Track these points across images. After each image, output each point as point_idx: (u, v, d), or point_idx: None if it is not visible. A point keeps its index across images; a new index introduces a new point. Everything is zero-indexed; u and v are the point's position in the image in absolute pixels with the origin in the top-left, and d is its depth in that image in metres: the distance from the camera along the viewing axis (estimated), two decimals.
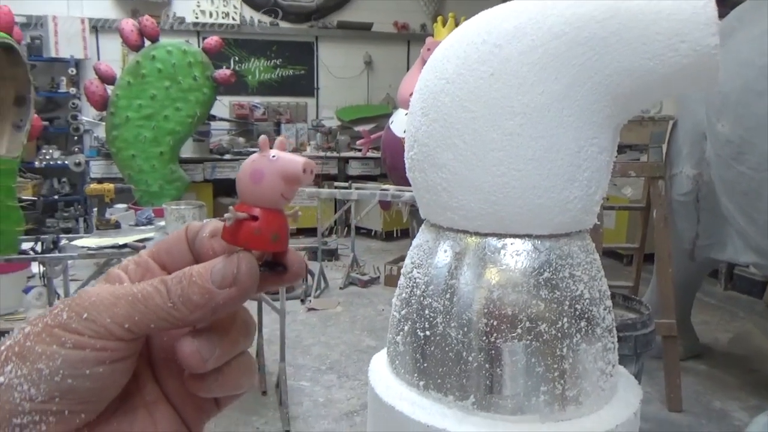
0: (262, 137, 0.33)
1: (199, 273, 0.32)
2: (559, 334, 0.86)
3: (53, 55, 6.61)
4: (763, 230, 2.80)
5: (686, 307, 3.60)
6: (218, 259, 0.32)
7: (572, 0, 0.84)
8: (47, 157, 6.63)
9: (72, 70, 6.73)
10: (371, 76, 8.17)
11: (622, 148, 5.67)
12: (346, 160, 7.30)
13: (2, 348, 0.30)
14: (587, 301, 0.89)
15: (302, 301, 4.72)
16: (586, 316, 0.89)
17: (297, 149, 7.47)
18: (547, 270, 0.87)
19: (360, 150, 7.06)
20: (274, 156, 0.32)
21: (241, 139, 7.44)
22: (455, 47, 0.91)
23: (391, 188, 4.63)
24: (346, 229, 6.30)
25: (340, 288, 5.12)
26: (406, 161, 1.01)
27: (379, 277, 5.29)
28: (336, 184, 5.68)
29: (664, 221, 2.98)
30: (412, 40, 8.14)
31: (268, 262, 0.33)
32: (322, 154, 7.31)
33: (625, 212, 4.98)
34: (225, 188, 7.17)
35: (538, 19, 0.84)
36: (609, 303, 0.95)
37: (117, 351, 0.30)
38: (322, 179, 7.14)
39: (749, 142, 2.71)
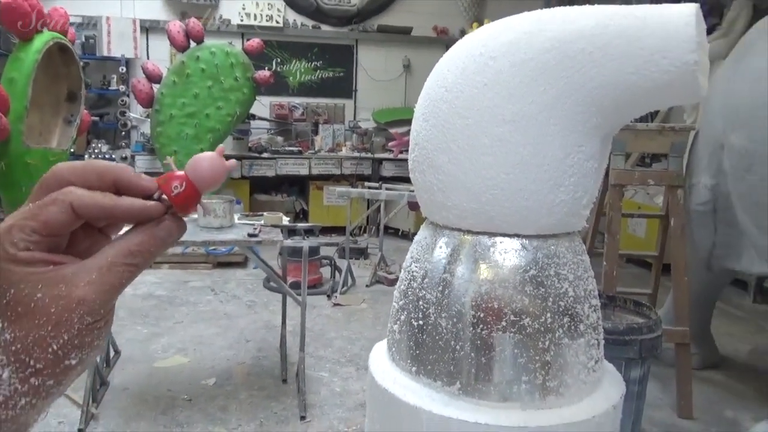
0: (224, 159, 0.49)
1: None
2: (542, 328, 0.92)
3: (105, 53, 6.89)
4: None
5: (705, 316, 3.58)
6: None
7: (568, 15, 0.89)
8: (96, 150, 6.90)
9: (122, 69, 6.98)
10: (409, 80, 8.24)
11: (657, 157, 5.63)
12: (380, 161, 7.39)
13: None
14: (571, 298, 0.94)
15: (328, 296, 4.83)
16: (569, 312, 0.94)
17: (333, 149, 7.59)
18: (534, 268, 0.93)
19: (392, 151, 7.14)
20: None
21: (280, 138, 7.60)
22: (455, 59, 0.98)
23: None
24: (375, 228, 6.38)
25: (367, 286, 5.20)
26: (409, 163, 1.08)
27: None
28: (367, 184, 5.77)
29: (681, 230, 2.99)
30: (451, 44, 8.04)
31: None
32: (357, 154, 7.42)
33: (656, 221, 4.93)
34: (262, 185, 7.34)
35: (533, 33, 0.89)
36: (595, 302, 1.00)
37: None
38: (356, 179, 7.24)
39: (760, 153, 2.78)
